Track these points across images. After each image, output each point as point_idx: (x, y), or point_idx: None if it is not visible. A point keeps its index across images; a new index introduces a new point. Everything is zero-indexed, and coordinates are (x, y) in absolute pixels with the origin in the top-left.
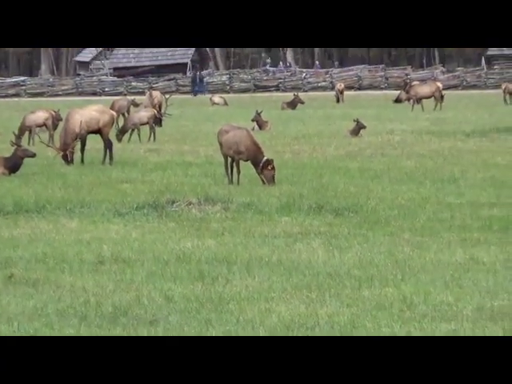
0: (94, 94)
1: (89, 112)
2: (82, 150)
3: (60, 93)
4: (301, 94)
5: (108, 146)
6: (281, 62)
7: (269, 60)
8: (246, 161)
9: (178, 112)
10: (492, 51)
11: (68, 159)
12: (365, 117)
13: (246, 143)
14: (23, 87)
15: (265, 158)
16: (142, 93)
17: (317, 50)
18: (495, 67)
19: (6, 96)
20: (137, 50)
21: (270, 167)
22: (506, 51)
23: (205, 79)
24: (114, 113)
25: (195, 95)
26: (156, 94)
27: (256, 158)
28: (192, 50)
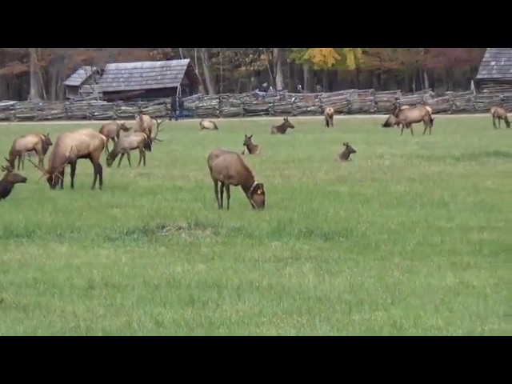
0: (84, 118)
1: (79, 136)
2: (72, 174)
3: (50, 117)
4: (290, 119)
5: (98, 170)
6: (271, 87)
7: (265, 84)
8: (236, 185)
9: (168, 136)
10: (481, 75)
11: (53, 182)
12: (354, 141)
13: (236, 167)
14: (13, 111)
15: (255, 182)
16: (132, 117)
17: (306, 74)
18: (484, 91)
19: None
20: (126, 74)
21: (259, 192)
22: (496, 75)
23: (184, 104)
24: (104, 137)
25: (176, 120)
26: (146, 118)
27: (246, 182)
28: (182, 74)
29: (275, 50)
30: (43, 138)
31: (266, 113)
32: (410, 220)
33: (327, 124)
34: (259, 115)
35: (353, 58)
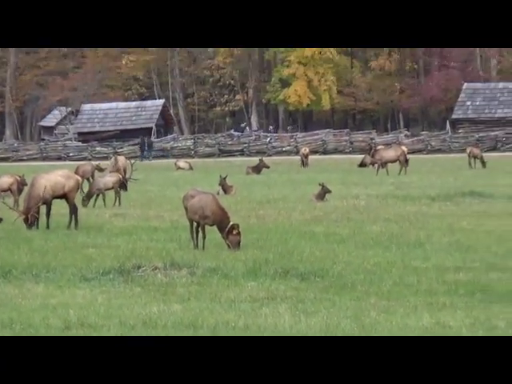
0: (59, 158)
1: (54, 177)
2: (48, 214)
3: (25, 158)
4: (265, 159)
5: (73, 210)
6: (247, 127)
7: (243, 124)
8: (212, 225)
9: (143, 176)
10: (457, 115)
11: (29, 223)
12: (330, 181)
13: (211, 208)
14: None
15: (230, 223)
16: (107, 158)
17: (281, 114)
18: (460, 131)
19: None
20: (101, 115)
21: (235, 232)
22: (471, 115)
23: (153, 144)
24: (80, 178)
25: (141, 160)
26: (121, 158)
27: (221, 222)
28: (157, 115)
29: (250, 90)
30: (18, 178)
31: (241, 153)
32: (386, 260)
33: (302, 164)
34: (234, 155)
35: (328, 98)
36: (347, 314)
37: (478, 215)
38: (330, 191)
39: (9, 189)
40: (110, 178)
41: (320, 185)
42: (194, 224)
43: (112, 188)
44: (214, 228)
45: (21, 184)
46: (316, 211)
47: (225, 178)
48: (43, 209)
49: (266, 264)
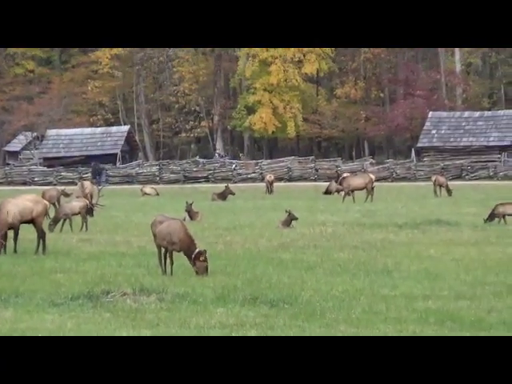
0: (24, 183)
1: (22, 202)
2: (15, 239)
3: None
4: (230, 186)
5: (41, 235)
6: (217, 154)
7: (221, 152)
8: (179, 251)
9: (109, 202)
10: (422, 143)
11: None
12: (295, 208)
13: (179, 234)
14: None
15: (197, 249)
16: (72, 183)
17: (246, 141)
18: (425, 159)
19: None
20: (66, 141)
21: (201, 258)
22: (436, 143)
23: (104, 171)
24: (48, 202)
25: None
26: (87, 184)
27: (189, 249)
28: (122, 141)
29: (216, 116)
30: None
31: (207, 180)
32: (354, 288)
33: (268, 191)
34: (199, 182)
35: (293, 125)
36: None
37: (444, 243)
38: (296, 218)
39: None
40: (76, 203)
41: (286, 212)
42: (163, 250)
43: (78, 213)
44: (182, 254)
45: None
46: (283, 238)
47: (191, 204)
48: (10, 233)
49: (235, 290)
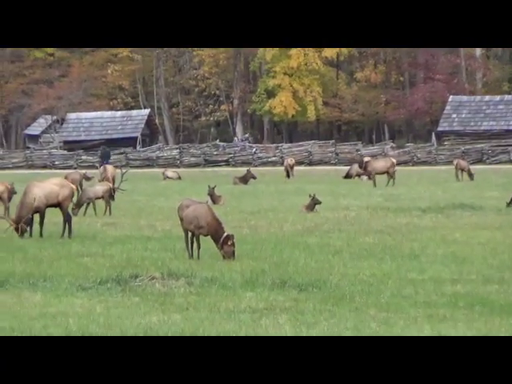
0: (44, 167)
1: (48, 185)
2: (41, 223)
3: (10, 166)
4: (251, 169)
5: (67, 219)
6: (236, 138)
7: (247, 135)
8: (206, 235)
9: (130, 186)
10: (442, 127)
11: (20, 232)
12: (317, 192)
13: (206, 218)
14: None
15: (225, 233)
16: (92, 166)
17: (266, 124)
18: (445, 143)
19: None
20: (87, 124)
21: (230, 243)
22: (457, 127)
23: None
24: (74, 186)
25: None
26: (110, 167)
27: (216, 233)
28: (142, 124)
29: (235, 100)
30: (9, 186)
31: (227, 163)
32: (381, 272)
33: (287, 175)
34: (220, 166)
35: (313, 109)
36: (347, 326)
37: (469, 227)
38: (320, 202)
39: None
40: (99, 187)
41: (310, 196)
42: (189, 234)
43: (102, 197)
44: (209, 238)
45: (10, 192)
46: (307, 222)
47: (213, 188)
48: (37, 217)
49: (263, 275)
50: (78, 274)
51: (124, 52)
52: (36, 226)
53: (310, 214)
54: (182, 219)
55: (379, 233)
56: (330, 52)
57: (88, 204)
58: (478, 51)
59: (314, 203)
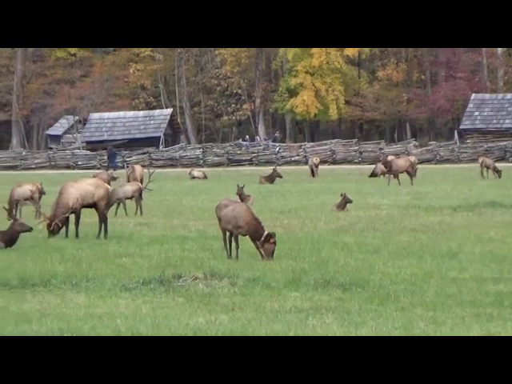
0: (67, 167)
1: (84, 186)
2: (77, 223)
3: (33, 166)
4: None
5: (103, 219)
6: (257, 137)
7: (277, 134)
8: (245, 235)
9: (157, 186)
10: (465, 125)
11: (51, 230)
12: (345, 191)
13: (245, 218)
14: None
15: (266, 232)
16: (115, 166)
17: (288, 124)
18: (468, 141)
19: None
20: (109, 124)
21: (272, 241)
22: (479, 125)
23: (117, 155)
24: (109, 187)
25: (107, 170)
26: (138, 167)
27: (256, 232)
28: (165, 124)
29: (257, 99)
30: (39, 187)
31: (250, 163)
32: (422, 270)
33: (312, 174)
34: (243, 165)
35: (335, 107)
36: (396, 325)
37: (502, 226)
38: (351, 201)
39: (31, 197)
40: (129, 187)
41: (341, 195)
42: (227, 234)
43: (131, 197)
44: (245, 238)
45: (40, 192)
46: (340, 221)
47: (242, 188)
48: (72, 218)
49: (305, 274)
50: (118, 274)
51: (146, 51)
52: (71, 226)
53: (341, 213)
54: (220, 219)
55: (413, 231)
56: (351, 50)
57: (118, 204)
58: (500, 49)
59: (345, 202)
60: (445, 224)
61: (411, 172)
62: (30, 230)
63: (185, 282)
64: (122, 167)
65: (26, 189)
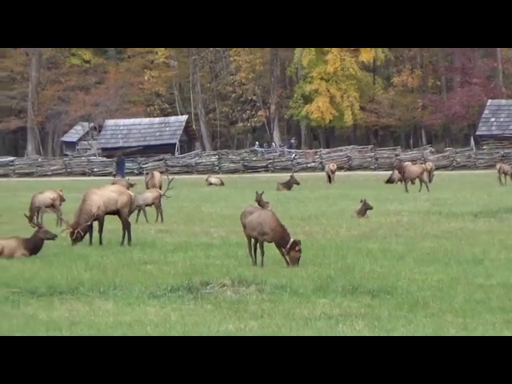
0: (83, 174)
1: (107, 193)
2: (100, 231)
3: (49, 173)
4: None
5: (126, 226)
6: (273, 143)
7: (293, 140)
8: (270, 242)
9: (174, 192)
10: (481, 131)
11: (74, 238)
12: (363, 197)
13: (271, 225)
14: (11, 167)
15: (291, 239)
16: (131, 173)
17: (303, 130)
18: (484, 147)
19: None
20: (125, 131)
21: (297, 248)
22: (495, 131)
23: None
24: (132, 194)
25: (114, 177)
26: (157, 174)
27: (282, 239)
28: (180, 131)
29: (272, 106)
30: (60, 193)
31: (266, 169)
32: (448, 277)
33: (329, 180)
34: (259, 171)
35: (350, 114)
36: (426, 332)
37: None
38: (371, 207)
39: (52, 204)
40: (149, 194)
41: (361, 201)
42: (252, 241)
43: (152, 204)
44: (269, 244)
45: (61, 199)
46: (362, 227)
47: (261, 194)
48: (95, 225)
49: (331, 281)
50: (145, 281)
51: (160, 58)
52: (95, 233)
53: (362, 219)
54: (244, 226)
55: (436, 238)
56: (366, 56)
57: (139, 211)
58: None
59: (365, 208)
60: (467, 230)
61: (424, 178)
62: (54, 237)
63: (212, 289)
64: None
65: (46, 196)
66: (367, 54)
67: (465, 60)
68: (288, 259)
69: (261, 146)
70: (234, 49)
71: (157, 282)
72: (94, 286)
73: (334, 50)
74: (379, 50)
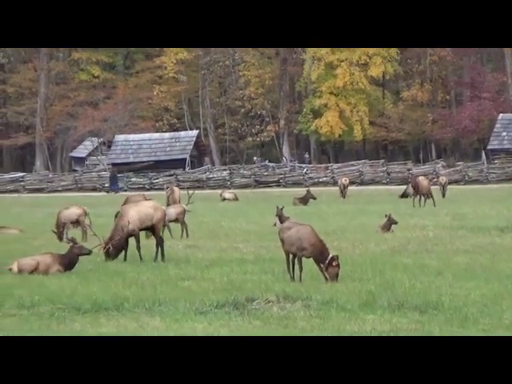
0: (94, 189)
1: (144, 208)
2: (138, 247)
3: (59, 188)
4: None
5: (159, 242)
6: (284, 158)
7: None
8: (309, 257)
9: (190, 208)
10: (492, 145)
11: (109, 254)
12: (381, 212)
13: (310, 240)
14: (22, 183)
15: (330, 254)
16: (142, 188)
17: (312, 144)
18: (495, 162)
19: (5, 192)
20: (135, 146)
21: (335, 264)
22: (507, 145)
23: (118, 179)
24: (164, 209)
25: (108, 192)
26: (176, 189)
27: (321, 254)
28: (191, 146)
29: (282, 120)
30: (86, 211)
31: (278, 184)
32: (491, 292)
33: (342, 195)
34: (270, 186)
35: (360, 128)
36: None
37: None
38: (396, 222)
39: (77, 220)
40: (172, 210)
41: (386, 216)
42: (290, 256)
43: (176, 220)
44: (305, 259)
45: (85, 215)
46: (389, 242)
47: (282, 209)
48: (132, 240)
49: (373, 296)
50: (188, 298)
51: (169, 73)
52: (131, 249)
53: (387, 234)
54: (283, 241)
55: (468, 253)
56: (375, 71)
57: (164, 227)
58: None
59: (390, 223)
60: (497, 245)
61: (427, 194)
62: (89, 253)
63: (258, 305)
64: (126, 190)
65: (72, 212)
66: (376, 69)
67: (474, 74)
68: (327, 275)
69: (262, 160)
70: (244, 63)
71: (199, 298)
72: (138, 302)
73: (343, 64)
74: (388, 64)
